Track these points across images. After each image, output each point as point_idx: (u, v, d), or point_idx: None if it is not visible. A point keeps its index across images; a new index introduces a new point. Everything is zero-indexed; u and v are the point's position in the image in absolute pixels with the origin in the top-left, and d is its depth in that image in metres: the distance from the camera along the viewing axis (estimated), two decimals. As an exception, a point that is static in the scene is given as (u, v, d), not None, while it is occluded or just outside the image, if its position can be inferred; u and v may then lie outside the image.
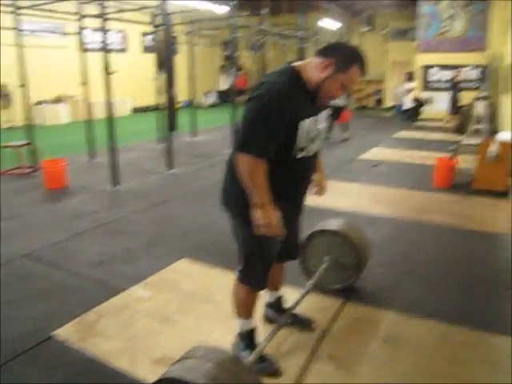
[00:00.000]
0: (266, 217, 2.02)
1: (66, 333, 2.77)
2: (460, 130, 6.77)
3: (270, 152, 2.00)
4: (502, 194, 5.77)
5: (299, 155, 2.11)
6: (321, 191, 2.63)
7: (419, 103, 13.79)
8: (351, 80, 2.04)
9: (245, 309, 2.40)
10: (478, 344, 2.69)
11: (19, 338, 2.73)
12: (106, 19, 5.98)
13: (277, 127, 1.96)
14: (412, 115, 13.69)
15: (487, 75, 12.98)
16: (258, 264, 2.27)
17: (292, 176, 2.19)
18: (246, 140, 1.98)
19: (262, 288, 2.42)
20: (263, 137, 1.96)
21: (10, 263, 3.78)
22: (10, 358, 2.54)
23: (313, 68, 2.05)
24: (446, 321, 2.92)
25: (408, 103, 14.13)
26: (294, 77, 2.06)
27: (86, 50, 7.93)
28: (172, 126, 9.52)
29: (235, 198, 2.19)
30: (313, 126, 2.11)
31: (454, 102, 11.98)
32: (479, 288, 3.41)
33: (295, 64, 2.12)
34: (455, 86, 12.24)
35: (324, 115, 2.24)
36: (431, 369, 2.46)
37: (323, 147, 2.34)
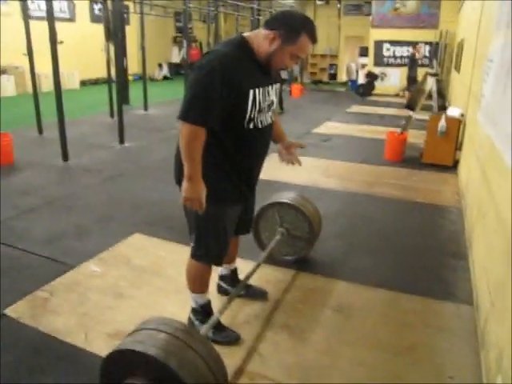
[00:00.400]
0: (192, 191, 2.01)
1: (18, 310, 2.71)
2: (411, 105, 6.92)
3: (211, 121, 1.95)
4: (450, 168, 5.99)
5: (250, 126, 2.07)
6: (295, 160, 2.62)
7: (372, 77, 13.99)
8: (301, 50, 2.01)
9: (199, 284, 2.41)
10: (424, 310, 2.82)
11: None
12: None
13: (219, 95, 1.91)
14: (366, 90, 13.89)
15: (438, 52, 13.31)
16: (211, 241, 2.25)
17: (245, 150, 2.15)
18: (187, 109, 1.93)
19: (218, 264, 2.43)
20: (204, 105, 1.91)
21: (-47, 241, 3.63)
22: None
23: (261, 40, 2.02)
24: (394, 289, 3.04)
25: (361, 78, 14.35)
26: (242, 46, 2.03)
27: (29, 18, 7.53)
28: (123, 99, 9.28)
29: (182, 173, 2.13)
30: (263, 96, 2.08)
31: (413, 77, 12.03)
32: (426, 257, 3.56)
33: (245, 34, 2.08)
34: (414, 62, 12.35)
35: (276, 87, 2.21)
36: (379, 334, 2.57)
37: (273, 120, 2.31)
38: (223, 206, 2.21)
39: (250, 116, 2.05)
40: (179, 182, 2.21)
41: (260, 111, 2.09)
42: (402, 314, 2.78)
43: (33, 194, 4.77)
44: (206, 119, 1.94)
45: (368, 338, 2.54)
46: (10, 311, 2.70)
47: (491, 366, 2.11)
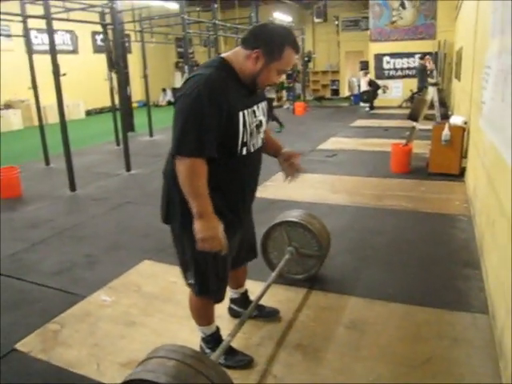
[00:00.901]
0: (208, 228, 1.86)
1: (29, 344, 2.70)
2: (414, 115, 6.93)
3: (208, 150, 1.84)
4: (457, 176, 5.96)
5: (243, 151, 1.98)
6: (298, 167, 2.47)
7: (374, 86, 14.05)
8: (287, 64, 1.94)
9: (205, 318, 2.37)
10: (438, 322, 2.77)
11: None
12: (51, 19, 5.79)
13: (211, 121, 1.81)
14: (369, 97, 13.92)
15: (437, 62, 13.36)
16: (212, 278, 2.15)
17: (239, 177, 2.06)
18: (181, 142, 1.82)
19: (220, 300, 2.32)
20: (198, 134, 1.80)
21: (-35, 277, 3.65)
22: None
23: (243, 60, 1.93)
24: (406, 302, 3.00)
25: (364, 86, 14.43)
26: (223, 68, 1.93)
27: (33, 53, 7.68)
28: (128, 126, 9.37)
29: (177, 210, 2.03)
30: (251, 117, 2.00)
31: (423, 88, 11.79)
32: (437, 268, 3.52)
33: (224, 55, 2.00)
34: (423, 73, 12.28)
35: (262, 107, 2.13)
36: (394, 349, 2.53)
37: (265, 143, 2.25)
38: (230, 237, 2.09)
39: (242, 140, 1.96)
40: (166, 220, 2.14)
41: (251, 134, 2.01)
42: (417, 326, 2.73)
43: (42, 226, 4.79)
44: (203, 149, 1.82)
45: (383, 353, 2.50)
46: (20, 346, 2.68)
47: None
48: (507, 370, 2.16)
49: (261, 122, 2.10)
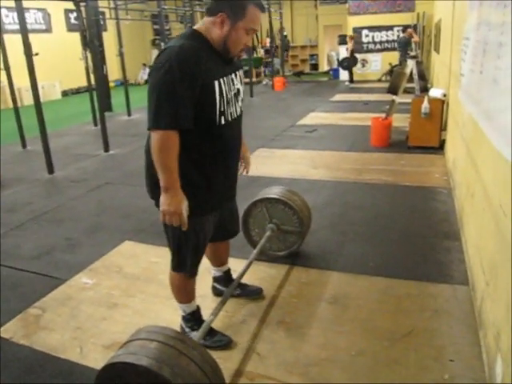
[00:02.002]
0: (171, 203, 1.89)
1: (10, 330, 2.66)
2: (393, 89, 6.91)
3: (183, 121, 1.84)
4: (437, 149, 6.00)
5: (222, 121, 1.98)
6: (247, 166, 2.52)
7: (354, 57, 13.96)
8: (253, 21, 1.94)
9: (185, 295, 2.36)
10: (420, 294, 2.81)
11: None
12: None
13: (184, 93, 1.81)
14: (349, 63, 13.83)
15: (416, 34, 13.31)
16: (187, 253, 2.17)
17: (220, 148, 2.05)
18: (155, 115, 1.82)
19: (193, 275, 2.33)
20: (172, 107, 1.80)
21: None
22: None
23: (211, 27, 1.94)
24: (388, 276, 3.03)
25: (346, 53, 14.30)
26: (195, 38, 1.93)
27: (4, 32, 7.46)
28: (105, 106, 9.19)
29: (155, 183, 2.02)
30: (228, 86, 1.99)
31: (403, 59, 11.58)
32: (418, 241, 3.56)
33: (195, 27, 2.01)
34: (406, 46, 12.10)
35: (239, 75, 2.14)
36: (376, 323, 2.55)
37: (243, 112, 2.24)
38: (204, 214, 2.12)
39: (220, 110, 1.95)
40: (151, 196, 2.15)
41: (228, 103, 2.00)
42: (398, 300, 2.76)
43: (20, 210, 4.71)
44: (178, 121, 1.83)
45: (365, 327, 2.53)
46: (2, 332, 2.65)
47: (490, 346, 2.10)
48: (486, 338, 2.21)
49: (238, 90, 2.11)
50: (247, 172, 2.54)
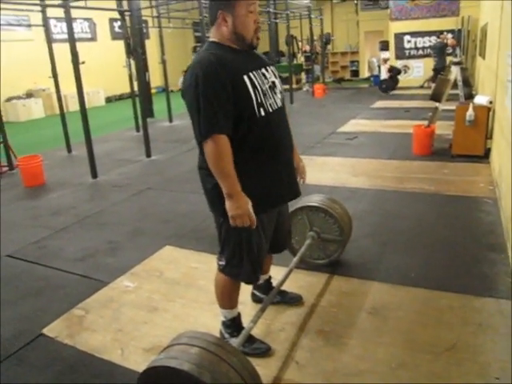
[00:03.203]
0: (237, 207, 1.96)
1: (55, 329, 2.76)
2: (436, 96, 6.77)
3: (227, 124, 1.92)
4: (481, 158, 5.83)
5: (261, 112, 2.01)
6: (303, 176, 2.51)
7: (395, 72, 13.73)
8: (248, 1, 1.99)
9: (229, 300, 2.37)
10: (462, 307, 2.73)
11: (10, 338, 2.70)
12: (69, 8, 5.80)
13: (221, 97, 1.89)
14: (388, 85, 13.62)
15: (461, 39, 13.01)
16: (246, 258, 2.17)
17: (267, 140, 2.07)
18: (201, 127, 1.90)
19: (254, 282, 2.40)
20: (214, 113, 1.88)
21: (-8, 264, 3.73)
22: (1, 359, 2.51)
23: (219, 31, 2.04)
24: (430, 287, 2.96)
25: (384, 74, 14.10)
26: (212, 48, 2.03)
27: (53, 42, 7.74)
28: (147, 112, 9.40)
29: (210, 193, 2.12)
30: (260, 79, 2.05)
31: (442, 68, 11.20)
32: (461, 252, 3.46)
33: (210, 39, 2.10)
34: (442, 51, 11.75)
35: (271, 69, 2.18)
36: (417, 335, 2.50)
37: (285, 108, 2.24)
38: (259, 212, 2.10)
39: (257, 101, 2.00)
40: (210, 207, 2.20)
41: (265, 95, 2.04)
42: (440, 312, 2.69)
43: (64, 213, 4.86)
44: (223, 124, 1.90)
45: (406, 339, 2.47)
46: (47, 331, 2.74)
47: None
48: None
49: (274, 83, 2.15)
50: (304, 181, 2.52)
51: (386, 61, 14.12)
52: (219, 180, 1.96)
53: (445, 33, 12.30)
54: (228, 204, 1.97)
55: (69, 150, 7.95)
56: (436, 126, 6.59)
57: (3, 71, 10.70)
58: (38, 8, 7.60)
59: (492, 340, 2.41)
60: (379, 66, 15.32)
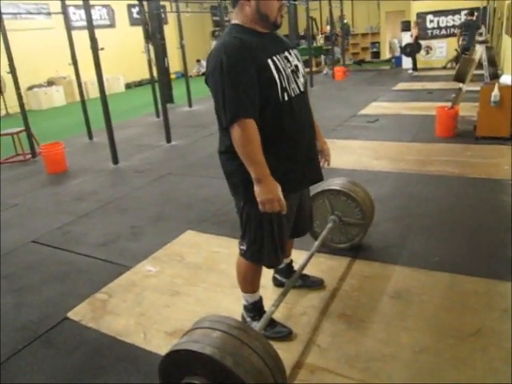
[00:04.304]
0: (267, 191, 1.92)
1: (79, 313, 2.81)
2: (460, 76, 6.61)
3: (254, 108, 1.89)
4: (507, 140, 5.69)
5: (285, 97, 1.99)
6: (328, 158, 2.48)
7: (418, 43, 13.46)
8: None
9: (251, 284, 2.37)
10: (487, 292, 2.68)
11: (36, 321, 2.76)
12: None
13: (246, 81, 1.87)
14: (413, 49, 13.34)
15: (486, 17, 12.66)
16: (267, 243, 2.15)
17: (289, 123, 2.04)
18: (227, 111, 1.87)
19: (276, 266, 2.40)
20: (240, 98, 1.85)
21: (18, 249, 3.80)
22: (28, 342, 2.57)
23: (242, 13, 2.01)
24: (453, 271, 2.91)
25: (409, 38, 13.81)
26: (236, 31, 1.99)
27: (72, 29, 7.78)
28: (167, 98, 9.40)
29: (232, 177, 2.13)
30: (283, 62, 2.02)
31: (469, 47, 10.69)
32: (485, 235, 3.39)
33: (232, 22, 2.07)
34: (473, 30, 11.31)
35: (294, 53, 2.15)
36: (441, 320, 2.46)
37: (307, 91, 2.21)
38: (287, 193, 2.07)
39: (281, 85, 1.97)
40: (232, 192, 2.19)
41: (288, 78, 2.02)
42: (464, 296, 2.65)
43: (87, 199, 4.92)
44: (249, 108, 1.88)
45: (429, 323, 2.44)
46: (72, 314, 2.79)
47: None
48: None
49: (296, 66, 2.12)
50: (328, 164, 2.50)
51: (417, 23, 13.75)
52: (247, 165, 1.93)
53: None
54: (257, 189, 1.94)
55: (90, 136, 8.02)
56: (460, 108, 6.45)
57: (24, 60, 10.77)
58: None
59: (518, 325, 2.37)
60: (401, 47, 14.99)
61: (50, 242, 3.90)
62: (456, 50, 12.50)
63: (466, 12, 12.51)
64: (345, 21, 16.63)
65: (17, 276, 3.35)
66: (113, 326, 2.64)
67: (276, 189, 1.94)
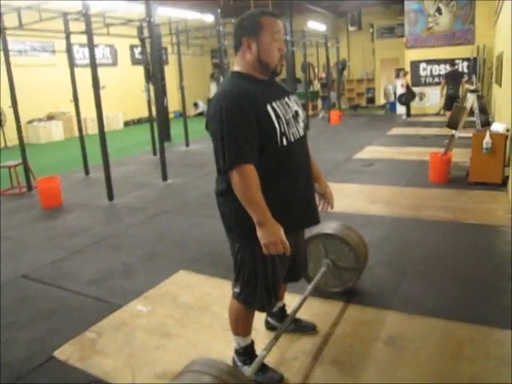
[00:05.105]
0: (270, 234, 1.92)
1: (66, 352, 2.74)
2: (452, 123, 6.75)
3: (253, 154, 1.92)
4: (499, 186, 5.76)
5: (284, 142, 2.01)
6: (329, 201, 2.49)
7: (411, 92, 13.76)
8: (272, 29, 2.01)
9: (243, 327, 2.34)
10: (482, 340, 2.65)
11: (21, 360, 2.69)
12: (92, 35, 5.95)
13: (245, 128, 1.90)
14: (407, 98, 13.62)
15: (476, 68, 13.03)
16: (261, 286, 2.14)
17: (287, 169, 2.06)
18: (226, 157, 1.90)
19: (268, 310, 2.39)
20: (239, 144, 1.88)
21: (8, 284, 3.75)
22: (10, 382, 2.50)
23: (243, 59, 2.06)
24: (448, 317, 2.89)
25: (401, 89, 14.17)
26: (236, 78, 2.05)
27: (75, 67, 7.94)
28: (165, 136, 9.51)
29: (228, 219, 2.13)
30: (283, 108, 2.06)
31: (455, 96, 10.95)
32: (480, 282, 3.39)
33: (233, 70, 2.12)
34: (456, 78, 11.58)
35: (294, 99, 2.19)
36: (436, 368, 2.43)
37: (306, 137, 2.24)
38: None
39: (280, 131, 2.00)
40: (226, 233, 2.19)
41: (288, 124, 2.05)
42: (459, 344, 2.62)
43: (81, 235, 4.89)
44: (249, 155, 1.90)
45: (424, 371, 2.41)
46: (58, 353, 2.73)
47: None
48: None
49: (297, 112, 2.16)
50: (332, 207, 2.51)
51: (406, 74, 14.12)
52: (248, 209, 1.94)
53: (454, 61, 12.30)
54: (260, 232, 1.94)
55: (86, 172, 8.05)
56: (453, 154, 6.55)
57: (26, 94, 10.94)
58: (63, 35, 7.81)
59: (513, 375, 2.34)
60: (395, 94, 15.35)
61: (41, 277, 3.86)
62: (446, 97, 12.64)
63: (448, 63, 12.74)
64: (348, 63, 17.09)
65: (4, 312, 3.29)
66: (100, 367, 2.58)
67: (279, 231, 1.95)
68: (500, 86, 8.18)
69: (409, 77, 14.20)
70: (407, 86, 13.76)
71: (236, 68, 2.11)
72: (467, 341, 2.65)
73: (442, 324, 2.84)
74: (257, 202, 1.92)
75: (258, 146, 1.95)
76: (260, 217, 1.93)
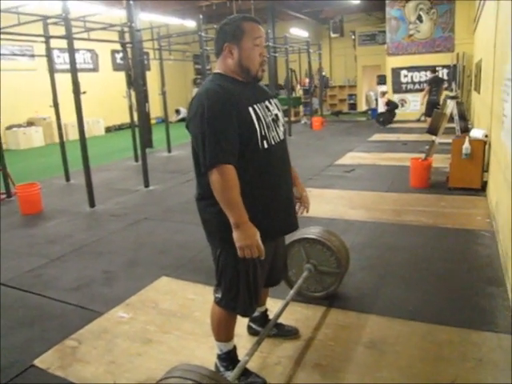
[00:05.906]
0: (246, 237, 1.92)
1: (47, 360, 2.70)
2: (433, 129, 6.85)
3: (233, 155, 1.92)
4: (478, 191, 5.86)
5: (265, 145, 2.02)
6: (307, 205, 2.50)
7: (392, 106, 13.91)
8: (254, 34, 2.04)
9: (225, 332, 2.34)
10: (462, 342, 2.69)
11: (1, 369, 2.64)
12: (72, 39, 5.91)
13: (226, 127, 1.91)
14: (386, 118, 13.77)
15: (456, 75, 13.25)
16: (243, 291, 2.14)
17: (267, 172, 2.07)
18: (207, 156, 1.90)
19: (250, 315, 2.39)
20: (220, 144, 1.88)
21: (-15, 293, 3.68)
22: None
23: (225, 63, 2.08)
24: (428, 320, 2.93)
25: (381, 107, 14.32)
26: (217, 78, 2.06)
27: (55, 72, 7.86)
28: (146, 142, 9.47)
29: (208, 225, 2.14)
30: (264, 111, 2.07)
31: (436, 102, 11.15)
32: (459, 286, 3.43)
33: (215, 70, 2.14)
34: (437, 85, 11.79)
35: (275, 102, 2.21)
36: (416, 370, 2.46)
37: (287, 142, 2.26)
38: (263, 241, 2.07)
39: (261, 133, 2.01)
40: (213, 238, 2.17)
41: (268, 127, 2.06)
42: (439, 347, 2.65)
43: (61, 242, 4.83)
44: (228, 154, 1.90)
45: (405, 374, 2.43)
46: (38, 362, 2.69)
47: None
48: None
49: (277, 115, 2.17)
50: (307, 211, 2.52)
51: (383, 94, 14.34)
52: (225, 210, 1.94)
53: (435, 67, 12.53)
54: (236, 234, 1.93)
55: (67, 178, 7.96)
56: (433, 159, 6.64)
57: (5, 99, 10.81)
58: (42, 39, 7.73)
59: (493, 376, 2.38)
60: (377, 100, 15.54)
61: (20, 285, 3.79)
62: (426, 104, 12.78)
63: (430, 70, 12.92)
64: (323, 73, 17.22)
65: (-17, 321, 3.23)
66: (81, 375, 2.55)
67: (255, 234, 1.95)
68: (479, 92, 8.33)
69: (388, 95, 14.37)
70: (387, 103, 13.87)
71: (217, 70, 2.12)
72: (446, 343, 2.68)
73: (421, 327, 2.87)
74: (235, 203, 1.92)
75: (238, 147, 1.95)
76: (237, 218, 1.92)
